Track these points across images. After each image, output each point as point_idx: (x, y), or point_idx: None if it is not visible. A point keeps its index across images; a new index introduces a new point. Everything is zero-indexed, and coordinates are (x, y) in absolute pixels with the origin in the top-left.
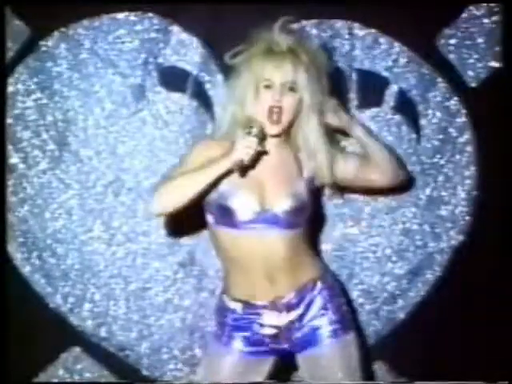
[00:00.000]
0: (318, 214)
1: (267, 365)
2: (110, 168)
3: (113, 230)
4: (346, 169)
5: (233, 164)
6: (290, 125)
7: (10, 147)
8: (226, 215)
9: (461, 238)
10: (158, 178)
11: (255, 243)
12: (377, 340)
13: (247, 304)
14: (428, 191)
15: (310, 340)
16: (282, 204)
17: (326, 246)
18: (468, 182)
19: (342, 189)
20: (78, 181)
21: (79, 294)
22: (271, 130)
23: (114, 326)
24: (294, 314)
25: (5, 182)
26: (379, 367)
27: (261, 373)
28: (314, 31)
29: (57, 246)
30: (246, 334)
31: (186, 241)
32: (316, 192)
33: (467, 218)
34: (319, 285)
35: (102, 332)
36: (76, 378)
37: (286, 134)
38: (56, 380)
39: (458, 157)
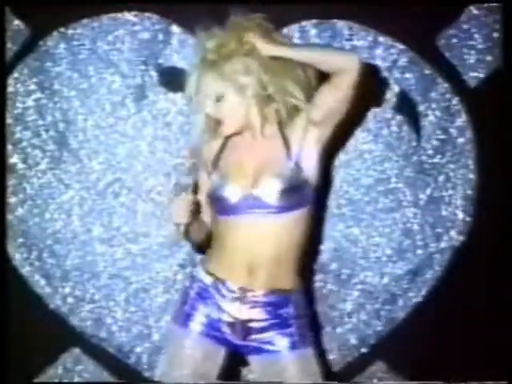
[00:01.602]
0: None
1: (221, 355)
2: (109, 168)
3: (113, 230)
4: (322, 97)
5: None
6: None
7: (9, 147)
8: (220, 204)
9: (461, 238)
10: (157, 178)
11: (243, 228)
12: (377, 340)
13: (218, 280)
14: (428, 191)
15: (266, 347)
16: (268, 186)
17: (326, 246)
18: (468, 181)
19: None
20: (77, 181)
21: (79, 294)
22: (223, 132)
23: (114, 327)
24: (255, 313)
25: (5, 182)
26: (379, 367)
27: (215, 363)
28: (314, 31)
29: (57, 246)
30: (205, 310)
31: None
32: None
33: (467, 218)
34: (290, 298)
35: (102, 333)
36: (76, 378)
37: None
38: (56, 380)
39: (457, 157)
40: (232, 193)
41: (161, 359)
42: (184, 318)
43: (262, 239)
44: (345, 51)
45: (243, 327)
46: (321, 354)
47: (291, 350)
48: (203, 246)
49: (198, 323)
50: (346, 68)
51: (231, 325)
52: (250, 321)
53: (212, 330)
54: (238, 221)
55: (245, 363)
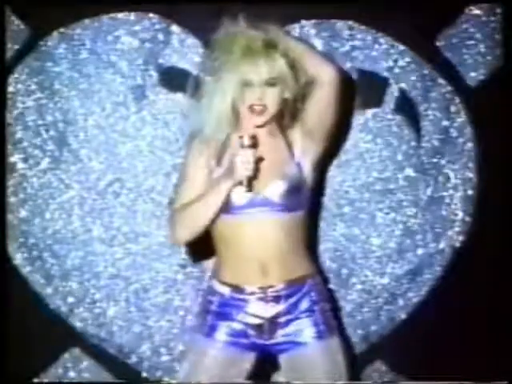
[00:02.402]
0: (316, 209)
1: (248, 362)
2: (110, 168)
3: (113, 230)
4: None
5: (237, 182)
6: (279, 115)
7: (10, 147)
8: (224, 203)
9: (461, 238)
10: (157, 178)
11: (251, 228)
12: (377, 340)
13: (235, 288)
14: (428, 191)
15: (294, 340)
16: (273, 186)
17: (326, 246)
18: (468, 181)
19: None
20: (78, 181)
21: (79, 294)
22: (255, 121)
23: (114, 327)
24: (280, 307)
25: (5, 182)
26: (379, 367)
27: (241, 369)
28: (314, 31)
29: (57, 246)
30: (230, 322)
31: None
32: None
33: (467, 218)
34: (309, 283)
35: (102, 333)
36: (76, 378)
37: (275, 125)
38: (56, 380)
39: (458, 157)
40: (238, 196)
41: (182, 367)
42: (208, 329)
43: (268, 237)
44: (324, 59)
45: (270, 325)
46: (344, 341)
47: (318, 340)
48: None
49: (223, 333)
50: (320, 77)
51: (258, 326)
52: (276, 316)
53: (238, 338)
54: (243, 220)
55: (275, 366)
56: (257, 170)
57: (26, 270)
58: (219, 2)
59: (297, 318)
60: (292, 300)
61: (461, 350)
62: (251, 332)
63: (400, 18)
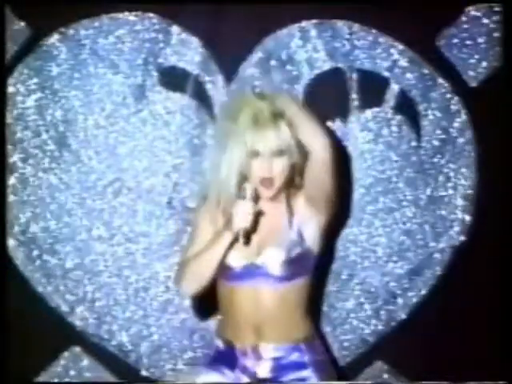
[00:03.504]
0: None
1: None
2: (110, 168)
3: (113, 230)
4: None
5: (236, 234)
6: (288, 182)
7: (10, 147)
8: (222, 268)
9: (461, 237)
10: (157, 178)
11: (246, 295)
12: (377, 340)
13: (228, 344)
14: (428, 191)
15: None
16: (272, 257)
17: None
18: (468, 181)
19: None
20: (78, 181)
21: (79, 293)
22: (265, 194)
23: (114, 326)
24: (269, 368)
25: (5, 182)
26: (379, 367)
27: None
28: (314, 31)
29: (57, 245)
30: (224, 369)
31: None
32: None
33: (467, 217)
34: (303, 346)
35: (102, 332)
36: (76, 377)
37: (281, 189)
38: (56, 380)
39: (457, 157)
40: (235, 260)
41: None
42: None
43: (264, 304)
44: (318, 130)
45: (260, 381)
46: None
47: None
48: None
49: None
50: (313, 148)
51: (251, 378)
52: (266, 375)
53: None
54: (240, 287)
55: None
56: (256, 234)
57: (26, 269)
58: (219, 2)
59: (288, 374)
60: (284, 361)
61: (461, 349)
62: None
63: (400, 17)
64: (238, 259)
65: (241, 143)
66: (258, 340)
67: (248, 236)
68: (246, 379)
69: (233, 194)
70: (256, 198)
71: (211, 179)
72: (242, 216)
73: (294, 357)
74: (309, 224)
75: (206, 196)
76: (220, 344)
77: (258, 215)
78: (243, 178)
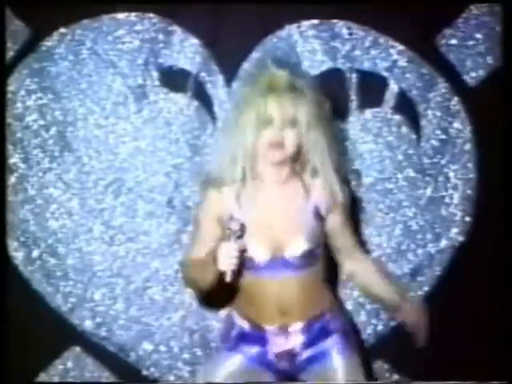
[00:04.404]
0: None
1: (266, 378)
2: (110, 168)
3: (113, 229)
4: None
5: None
6: (295, 158)
7: (10, 147)
8: (245, 261)
9: (461, 238)
10: (158, 178)
11: (269, 284)
12: (377, 340)
13: (255, 325)
14: (428, 191)
15: (314, 360)
16: (294, 249)
17: None
18: (468, 182)
19: None
20: (78, 181)
21: (80, 293)
22: (273, 157)
23: (115, 326)
24: (299, 341)
25: (5, 182)
26: (379, 367)
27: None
28: (314, 31)
29: (57, 245)
30: (250, 348)
31: (186, 240)
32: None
33: (467, 218)
34: (328, 315)
35: (103, 332)
36: (76, 377)
37: (292, 169)
38: (56, 380)
39: (457, 157)
40: (259, 254)
41: (200, 373)
42: (230, 348)
43: (289, 291)
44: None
45: (291, 356)
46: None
47: (338, 354)
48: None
49: (244, 354)
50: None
51: (278, 355)
52: (297, 348)
53: (260, 359)
54: (264, 278)
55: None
56: (277, 224)
57: (26, 269)
58: (219, 2)
59: (316, 345)
60: (311, 333)
61: (461, 349)
62: (271, 357)
63: (400, 17)
64: (261, 253)
65: (256, 107)
66: (284, 319)
67: (235, 273)
68: (276, 351)
69: (242, 163)
70: (242, 235)
71: (222, 148)
72: (226, 259)
73: (320, 325)
74: (324, 204)
75: (210, 177)
76: (245, 325)
77: (242, 252)
78: (251, 159)
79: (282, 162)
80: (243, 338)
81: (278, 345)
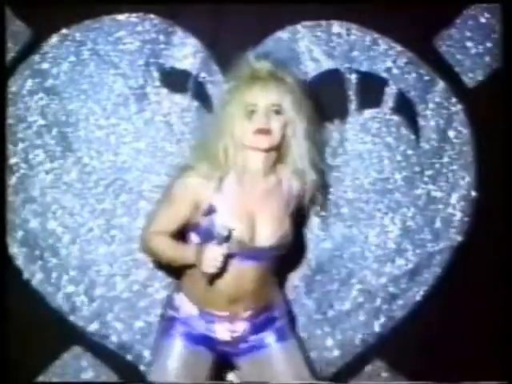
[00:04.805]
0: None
1: (209, 360)
2: (111, 168)
3: (114, 229)
4: None
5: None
6: (277, 148)
7: (10, 147)
8: (210, 240)
9: (460, 238)
10: (158, 178)
11: (232, 273)
12: (376, 339)
13: (203, 310)
14: (427, 191)
15: (256, 347)
16: (266, 242)
17: (325, 246)
18: (467, 182)
19: None
20: (79, 181)
21: (81, 292)
22: (260, 143)
23: (116, 325)
24: (243, 327)
25: (6, 182)
26: (378, 367)
27: (205, 367)
28: (314, 32)
29: (58, 245)
30: (195, 331)
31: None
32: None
33: (466, 217)
34: (274, 307)
35: (104, 330)
36: (77, 377)
37: (274, 159)
38: (57, 379)
39: (456, 157)
40: (232, 239)
41: (152, 369)
42: (172, 333)
43: (244, 280)
44: None
45: (234, 341)
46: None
47: (277, 342)
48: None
49: (187, 337)
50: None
51: (222, 341)
52: (241, 334)
53: (202, 341)
54: (227, 267)
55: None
56: (256, 219)
57: (27, 269)
58: (220, 3)
59: (259, 332)
60: (257, 321)
61: (460, 349)
62: (215, 342)
63: (399, 18)
64: (233, 241)
65: (241, 96)
66: (232, 309)
67: (213, 277)
68: (221, 337)
69: (221, 163)
70: (229, 240)
71: (202, 146)
72: (211, 262)
73: (266, 316)
74: (295, 194)
75: (192, 168)
76: (194, 311)
77: (227, 257)
78: (236, 148)
79: (269, 149)
80: (189, 321)
81: (223, 332)
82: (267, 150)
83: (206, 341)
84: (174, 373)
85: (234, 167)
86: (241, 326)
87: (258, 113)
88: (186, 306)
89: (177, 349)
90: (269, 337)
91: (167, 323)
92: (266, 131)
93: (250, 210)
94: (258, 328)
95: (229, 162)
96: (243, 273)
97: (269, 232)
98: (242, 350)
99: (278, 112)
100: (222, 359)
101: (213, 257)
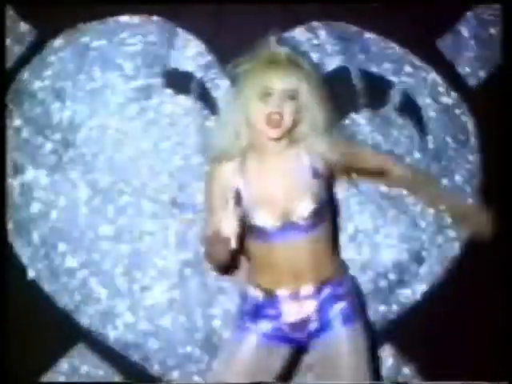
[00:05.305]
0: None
1: (284, 353)
2: (115, 168)
3: (118, 229)
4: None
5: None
6: (292, 129)
7: (14, 148)
8: (251, 231)
9: (460, 238)
10: (162, 178)
11: (281, 249)
12: (385, 325)
13: (269, 293)
14: None
15: (323, 328)
16: (301, 211)
17: None
18: (469, 181)
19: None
20: (83, 180)
21: (85, 292)
22: (271, 134)
23: (120, 325)
24: (312, 306)
25: (9, 182)
26: (387, 352)
27: (276, 361)
28: (315, 32)
29: (63, 244)
30: (265, 321)
31: (192, 239)
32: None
33: None
34: (336, 280)
35: (108, 330)
36: (81, 376)
37: (289, 137)
38: (62, 378)
39: (458, 157)
40: (269, 222)
41: (216, 365)
42: (245, 327)
43: (299, 254)
44: None
45: (303, 322)
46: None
47: (343, 326)
48: (227, 266)
49: (259, 330)
50: None
51: (292, 324)
52: (309, 314)
53: (273, 333)
54: (276, 244)
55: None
56: (280, 194)
57: (32, 268)
58: (222, 4)
59: (325, 312)
60: (322, 298)
61: (461, 349)
62: (285, 329)
63: (400, 18)
64: (271, 220)
65: (256, 80)
66: (296, 282)
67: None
68: (290, 320)
69: (241, 151)
70: (238, 201)
71: (224, 122)
72: (227, 223)
73: (330, 290)
74: (320, 161)
75: (215, 153)
76: (259, 294)
77: (242, 218)
78: (253, 132)
79: (281, 134)
80: (257, 313)
81: (292, 313)
82: (280, 135)
83: (277, 334)
84: (244, 368)
85: (251, 151)
86: (306, 306)
87: (273, 96)
88: (251, 293)
89: (249, 344)
90: (335, 319)
91: (239, 318)
92: (278, 115)
93: (274, 189)
94: (323, 307)
95: (246, 147)
96: (297, 247)
97: (300, 202)
98: (310, 334)
99: (292, 97)
100: (294, 349)
101: (226, 218)
